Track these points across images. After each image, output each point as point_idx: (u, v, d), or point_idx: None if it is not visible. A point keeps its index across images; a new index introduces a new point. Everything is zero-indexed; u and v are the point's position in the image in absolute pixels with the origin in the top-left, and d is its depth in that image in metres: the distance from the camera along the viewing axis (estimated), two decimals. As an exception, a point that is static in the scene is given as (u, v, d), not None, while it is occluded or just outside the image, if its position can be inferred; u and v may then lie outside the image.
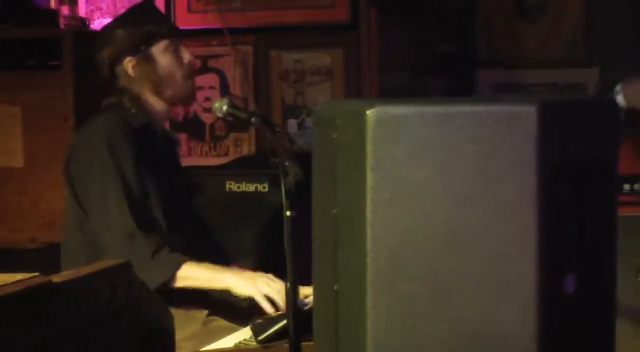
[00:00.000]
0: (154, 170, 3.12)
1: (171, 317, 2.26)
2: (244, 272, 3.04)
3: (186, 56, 3.20)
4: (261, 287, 2.92)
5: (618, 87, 2.95)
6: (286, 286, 2.51)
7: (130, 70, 3.15)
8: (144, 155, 3.09)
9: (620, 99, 2.96)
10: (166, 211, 3.11)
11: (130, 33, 3.14)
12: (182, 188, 3.33)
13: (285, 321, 2.65)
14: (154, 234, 3.01)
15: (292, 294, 2.51)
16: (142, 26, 3.16)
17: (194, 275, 2.99)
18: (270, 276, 2.97)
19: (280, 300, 2.89)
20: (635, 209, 3.98)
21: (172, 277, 2.97)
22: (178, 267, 2.97)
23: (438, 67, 4.53)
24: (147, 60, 3.15)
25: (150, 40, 3.15)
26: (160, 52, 3.16)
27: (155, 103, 3.18)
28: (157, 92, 3.17)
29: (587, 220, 2.05)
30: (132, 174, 3.03)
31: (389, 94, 4.41)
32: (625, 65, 3.73)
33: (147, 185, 3.08)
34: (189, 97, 3.34)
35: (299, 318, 2.52)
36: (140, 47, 3.14)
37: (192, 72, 3.26)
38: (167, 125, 4.42)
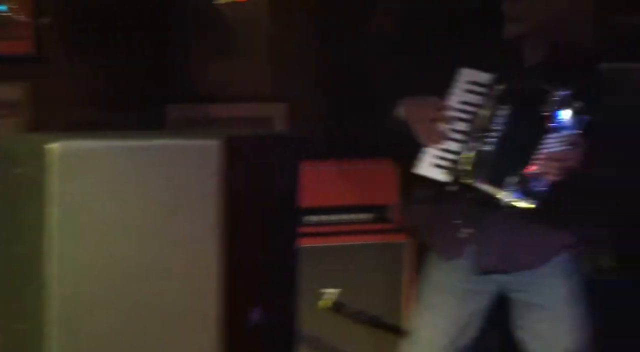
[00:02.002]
0: None
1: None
2: None
3: None
4: None
5: (404, 100, 2.97)
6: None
7: None
8: None
9: (400, 111, 3.00)
10: None
11: None
12: None
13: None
14: None
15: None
16: None
17: None
18: None
19: None
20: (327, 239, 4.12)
21: None
22: None
23: (129, 101, 4.52)
24: None
25: None
26: None
27: None
28: None
29: (270, 252, 2.10)
30: None
31: (78, 128, 4.34)
32: (312, 100, 3.84)
33: None
34: None
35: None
36: None
37: None
38: None
